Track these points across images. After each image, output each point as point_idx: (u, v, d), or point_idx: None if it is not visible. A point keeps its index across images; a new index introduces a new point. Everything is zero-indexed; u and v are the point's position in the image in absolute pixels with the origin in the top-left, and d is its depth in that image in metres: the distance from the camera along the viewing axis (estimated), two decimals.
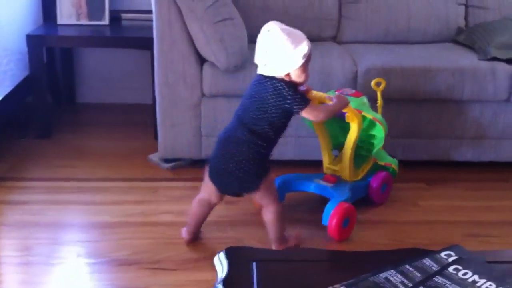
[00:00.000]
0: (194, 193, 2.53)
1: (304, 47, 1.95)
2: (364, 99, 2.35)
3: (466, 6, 3.13)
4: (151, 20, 2.64)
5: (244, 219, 2.35)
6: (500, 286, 1.04)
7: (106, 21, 3.25)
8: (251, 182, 2.02)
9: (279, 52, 1.94)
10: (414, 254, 1.15)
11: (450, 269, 1.09)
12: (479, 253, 1.19)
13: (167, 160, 2.78)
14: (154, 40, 2.62)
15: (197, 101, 2.65)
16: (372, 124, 2.35)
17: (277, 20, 2.93)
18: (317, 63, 2.63)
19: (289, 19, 2.98)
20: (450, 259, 1.12)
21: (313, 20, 3.03)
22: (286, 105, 1.98)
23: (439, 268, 1.10)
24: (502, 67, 2.67)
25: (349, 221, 2.23)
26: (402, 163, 2.61)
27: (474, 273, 1.08)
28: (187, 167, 2.78)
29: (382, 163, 2.48)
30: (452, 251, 1.15)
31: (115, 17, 3.29)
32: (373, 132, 2.37)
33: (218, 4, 2.53)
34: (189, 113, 2.66)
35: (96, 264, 2.04)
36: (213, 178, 2.07)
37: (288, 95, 1.96)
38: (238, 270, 1.17)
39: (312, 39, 2.98)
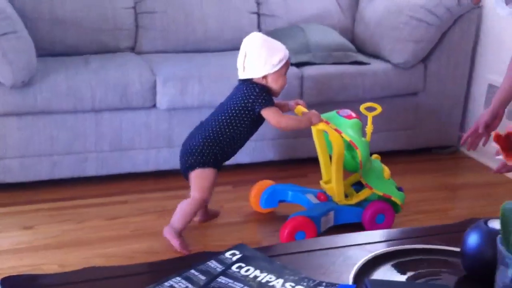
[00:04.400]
0: None
1: (281, 53, 2.16)
2: (354, 121, 2.25)
3: (258, 14, 3.28)
4: None
5: (44, 244, 2.21)
6: (279, 278, 1.08)
7: None
8: (191, 159, 2.14)
9: (258, 55, 2.13)
10: (202, 258, 1.15)
11: (233, 267, 1.12)
12: (263, 249, 1.23)
13: None
14: None
15: None
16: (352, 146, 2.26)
17: (69, 33, 2.87)
18: (113, 75, 2.59)
19: (82, 32, 2.90)
20: (234, 258, 1.15)
21: (108, 31, 2.96)
22: (248, 103, 2.11)
23: (223, 268, 1.11)
24: (291, 71, 2.83)
25: (305, 235, 2.17)
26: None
27: (256, 269, 1.11)
28: None
29: (381, 193, 2.32)
30: (237, 250, 1.17)
31: None
32: (355, 154, 2.26)
33: None
34: None
35: None
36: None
37: (254, 93, 2.12)
38: None
39: (109, 50, 2.96)
